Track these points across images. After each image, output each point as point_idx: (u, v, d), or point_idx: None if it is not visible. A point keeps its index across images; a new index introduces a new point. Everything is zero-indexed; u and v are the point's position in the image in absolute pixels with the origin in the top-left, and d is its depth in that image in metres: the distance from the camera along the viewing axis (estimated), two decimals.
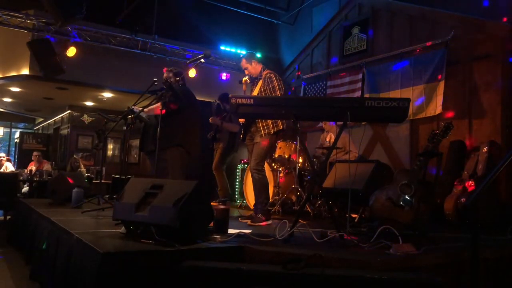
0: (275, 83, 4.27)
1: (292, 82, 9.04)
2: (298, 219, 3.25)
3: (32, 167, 8.51)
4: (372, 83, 6.92)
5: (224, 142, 6.04)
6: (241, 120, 4.40)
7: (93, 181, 8.71)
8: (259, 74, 4.43)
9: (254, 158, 4.27)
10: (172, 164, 4.55)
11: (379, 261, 2.48)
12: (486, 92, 5.54)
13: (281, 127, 4.28)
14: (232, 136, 6.13)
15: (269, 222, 4.17)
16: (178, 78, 4.79)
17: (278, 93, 4.26)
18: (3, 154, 8.87)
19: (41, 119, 14.97)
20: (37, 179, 7.63)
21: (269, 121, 4.23)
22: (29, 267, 3.68)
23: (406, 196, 3.50)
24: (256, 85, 4.43)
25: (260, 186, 4.27)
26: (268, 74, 4.34)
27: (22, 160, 12.00)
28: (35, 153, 9.00)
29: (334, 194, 4.82)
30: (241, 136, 4.44)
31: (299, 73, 8.93)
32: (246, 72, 4.48)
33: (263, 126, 4.24)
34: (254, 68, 4.43)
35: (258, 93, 4.33)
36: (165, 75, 4.76)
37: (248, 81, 4.50)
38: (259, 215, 4.15)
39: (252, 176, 4.33)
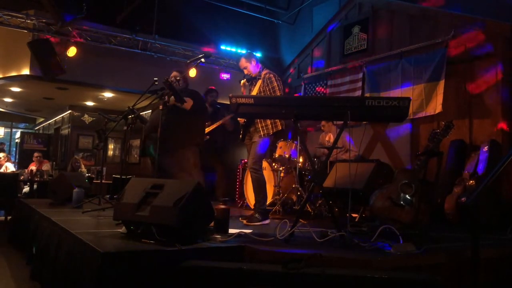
0: (275, 83, 4.26)
1: (292, 82, 9.04)
2: (298, 219, 3.26)
3: (33, 167, 8.52)
4: (373, 82, 6.91)
5: None
6: (241, 120, 4.39)
7: (94, 181, 8.71)
8: (258, 74, 4.41)
9: (251, 157, 4.28)
10: (194, 163, 4.56)
11: (379, 261, 2.48)
12: (486, 91, 5.53)
13: (280, 128, 4.28)
14: None
15: (267, 221, 4.17)
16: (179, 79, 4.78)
17: (278, 94, 4.25)
18: (2, 154, 8.86)
19: (41, 119, 14.98)
20: (38, 179, 7.63)
21: (268, 122, 4.23)
22: (30, 267, 3.68)
23: (407, 196, 3.50)
24: (254, 85, 4.41)
25: (258, 185, 4.27)
26: (268, 75, 4.33)
27: (23, 160, 12.01)
28: (35, 154, 9.02)
29: (335, 194, 4.82)
30: (240, 136, 4.43)
31: (292, 71, 8.94)
32: (245, 71, 4.45)
33: (262, 127, 4.23)
34: (253, 67, 4.40)
35: (257, 93, 4.31)
36: (175, 73, 4.71)
37: (247, 83, 4.48)
38: (256, 215, 4.15)
39: (250, 175, 4.34)
